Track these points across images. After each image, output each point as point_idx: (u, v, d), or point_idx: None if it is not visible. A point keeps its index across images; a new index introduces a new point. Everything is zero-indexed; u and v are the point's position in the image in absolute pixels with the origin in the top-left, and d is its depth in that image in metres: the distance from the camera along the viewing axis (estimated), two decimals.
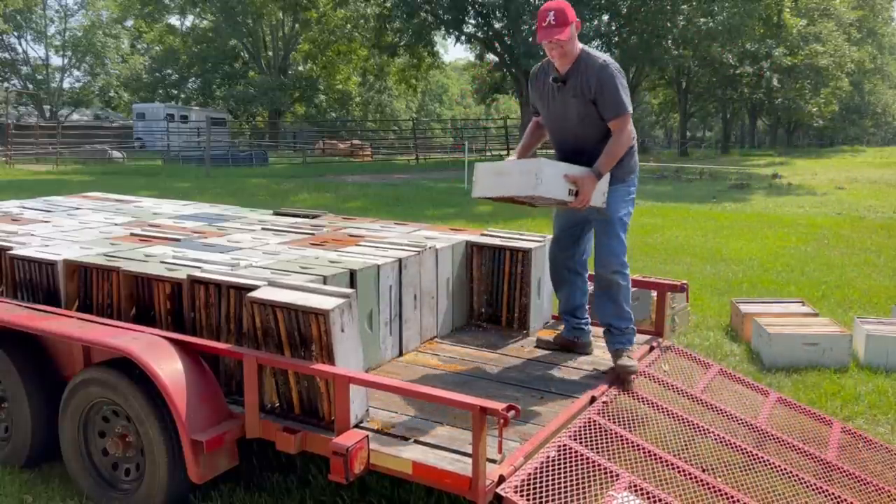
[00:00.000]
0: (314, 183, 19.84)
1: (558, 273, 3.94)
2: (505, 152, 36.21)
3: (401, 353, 3.75)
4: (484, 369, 3.58)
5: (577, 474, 2.66)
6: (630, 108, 3.48)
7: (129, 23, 47.02)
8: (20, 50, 43.62)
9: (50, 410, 3.33)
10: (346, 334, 2.85)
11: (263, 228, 4.62)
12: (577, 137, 3.59)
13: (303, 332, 2.85)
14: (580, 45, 3.53)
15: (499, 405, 2.45)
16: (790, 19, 35.94)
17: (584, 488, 2.62)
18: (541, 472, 2.63)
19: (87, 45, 43.24)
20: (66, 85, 44.93)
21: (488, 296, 4.28)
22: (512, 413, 2.43)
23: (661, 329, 4.19)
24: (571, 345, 3.90)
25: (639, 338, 4.15)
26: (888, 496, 3.10)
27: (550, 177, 3.33)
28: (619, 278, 3.62)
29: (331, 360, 2.80)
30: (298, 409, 2.95)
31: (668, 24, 28.65)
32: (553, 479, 2.61)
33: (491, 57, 34.52)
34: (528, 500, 2.49)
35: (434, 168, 27.31)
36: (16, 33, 42.43)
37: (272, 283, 3.04)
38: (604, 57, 3.49)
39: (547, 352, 3.88)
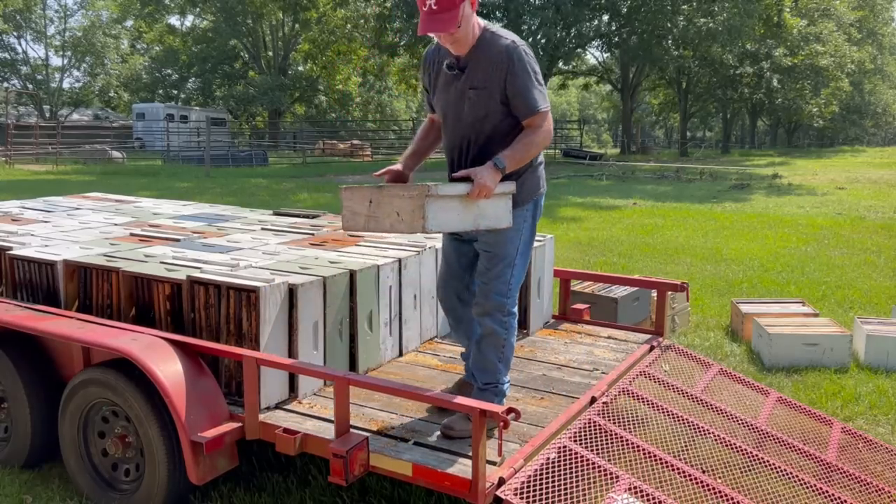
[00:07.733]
0: (314, 183, 19.83)
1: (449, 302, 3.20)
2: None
3: (401, 354, 3.75)
4: None
5: (577, 476, 2.66)
6: (547, 104, 2.78)
7: (129, 23, 47.02)
8: (20, 50, 43.69)
9: (50, 411, 3.33)
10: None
11: (263, 228, 4.62)
12: (475, 143, 2.84)
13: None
14: (481, 23, 2.75)
15: (499, 408, 2.44)
16: (790, 19, 35.93)
17: (584, 490, 2.62)
18: (541, 474, 2.62)
19: (86, 46, 43.23)
20: (65, 85, 44.97)
21: None
22: (512, 416, 2.43)
23: (662, 328, 4.18)
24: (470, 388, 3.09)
25: (639, 337, 4.15)
26: (888, 497, 3.10)
27: (441, 211, 2.56)
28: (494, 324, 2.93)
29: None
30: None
31: (668, 24, 28.69)
32: (553, 482, 2.60)
33: None
34: (527, 502, 2.48)
35: (434, 168, 27.27)
36: (15, 33, 42.42)
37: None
38: (512, 37, 2.75)
39: (547, 352, 3.87)
